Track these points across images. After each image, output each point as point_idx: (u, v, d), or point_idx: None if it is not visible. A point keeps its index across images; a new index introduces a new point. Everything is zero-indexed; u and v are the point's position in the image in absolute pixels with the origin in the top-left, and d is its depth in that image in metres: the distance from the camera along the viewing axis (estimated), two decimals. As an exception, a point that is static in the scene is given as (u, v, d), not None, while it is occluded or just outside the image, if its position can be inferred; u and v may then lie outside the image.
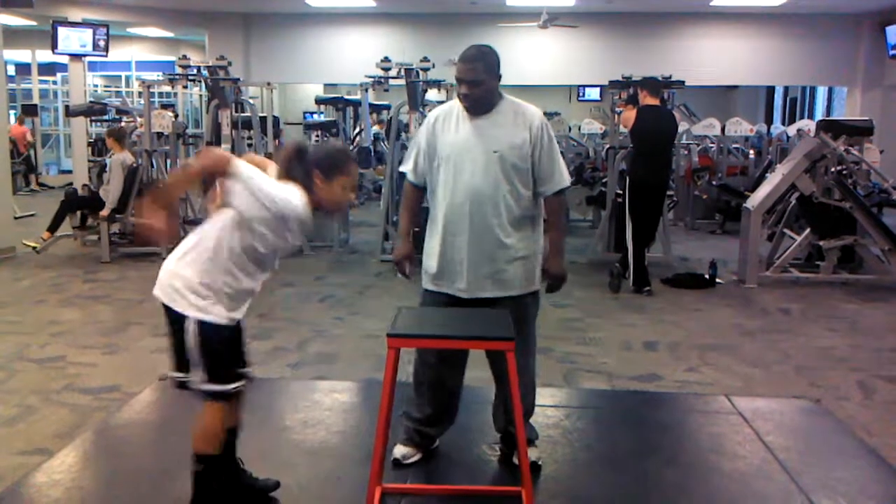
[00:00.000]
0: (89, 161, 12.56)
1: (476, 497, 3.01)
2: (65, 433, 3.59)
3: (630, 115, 6.76)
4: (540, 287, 3.12)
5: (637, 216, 6.67)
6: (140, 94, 11.40)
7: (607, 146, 8.97)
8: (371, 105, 12.14)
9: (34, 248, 7.88)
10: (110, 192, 7.94)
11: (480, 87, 2.91)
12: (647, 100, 6.69)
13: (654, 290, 6.61)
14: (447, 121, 3.00)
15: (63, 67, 15.31)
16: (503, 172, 2.92)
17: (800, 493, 2.99)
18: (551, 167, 2.99)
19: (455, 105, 3.04)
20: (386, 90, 9.54)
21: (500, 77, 2.97)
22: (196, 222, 7.78)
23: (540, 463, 3.15)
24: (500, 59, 2.98)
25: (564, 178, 3.04)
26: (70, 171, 14.48)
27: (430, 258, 3.05)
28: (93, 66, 17.14)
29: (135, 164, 8.23)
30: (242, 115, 8.58)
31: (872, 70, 13.37)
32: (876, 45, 13.15)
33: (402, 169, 3.22)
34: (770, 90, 19.78)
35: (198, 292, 2.49)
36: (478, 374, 3.15)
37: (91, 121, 12.83)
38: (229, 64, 8.36)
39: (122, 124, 9.40)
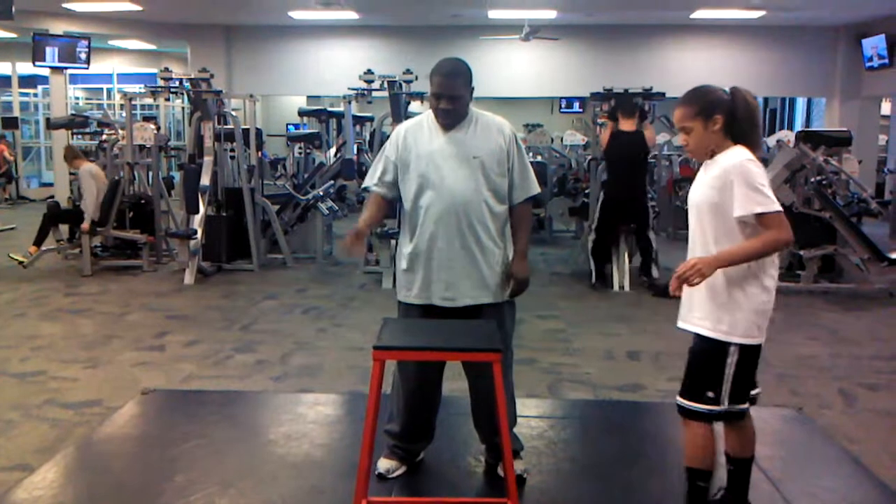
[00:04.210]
0: (70, 174, 12.47)
1: (461, 509, 3.01)
2: (46, 448, 3.55)
3: (605, 137, 7.38)
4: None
5: (599, 226, 7.41)
6: (122, 106, 11.36)
7: (589, 157, 9.03)
8: (354, 117, 12.14)
9: (21, 262, 7.81)
10: (86, 204, 7.90)
11: (460, 101, 2.93)
12: (622, 124, 7.30)
13: (638, 301, 6.64)
14: (418, 133, 3.01)
15: (44, 80, 15.21)
16: (484, 178, 2.94)
17: (783, 501, 3.01)
18: (523, 174, 3.05)
19: (424, 119, 3.04)
20: (369, 102, 9.58)
21: (473, 90, 3.00)
22: (179, 235, 7.77)
23: (526, 476, 3.15)
24: (479, 71, 3.01)
25: (535, 186, 3.09)
26: (51, 184, 14.39)
27: (411, 270, 3.03)
28: (74, 79, 17.06)
29: (116, 177, 8.20)
30: (225, 127, 8.54)
31: (850, 81, 13.54)
32: (853, 56, 13.33)
33: (366, 183, 3.13)
34: (750, 101, 19.94)
35: None
36: (460, 385, 3.15)
37: (72, 133, 12.74)
38: (212, 76, 8.34)
39: (104, 137, 9.35)
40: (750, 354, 2.55)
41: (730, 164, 2.47)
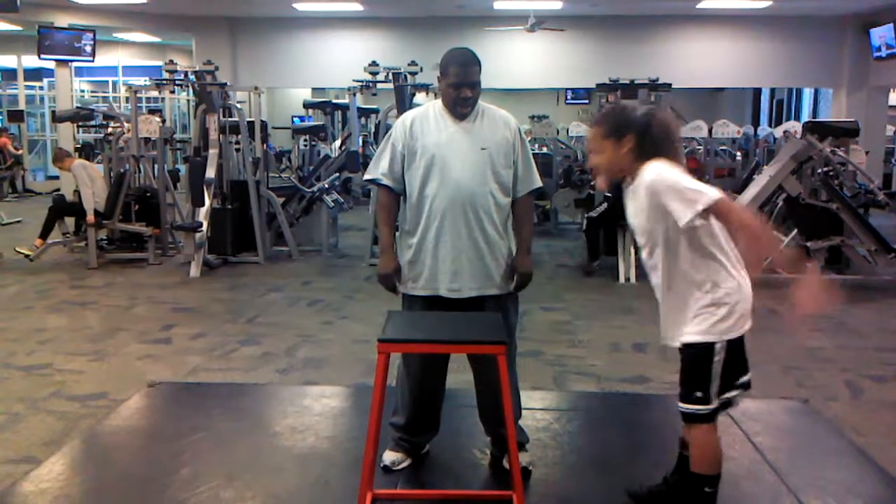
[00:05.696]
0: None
1: (467, 501, 3.00)
2: (52, 441, 3.57)
3: None
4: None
5: (597, 219, 7.63)
6: (127, 99, 11.36)
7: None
8: (359, 109, 12.13)
9: (27, 255, 7.84)
10: (84, 198, 7.92)
11: (478, 88, 2.96)
12: None
13: (644, 293, 6.62)
14: (425, 123, 2.99)
15: (49, 73, 15.24)
16: (491, 170, 2.94)
17: (789, 493, 3.00)
18: (527, 167, 3.05)
19: (430, 108, 3.04)
20: (374, 94, 9.56)
21: None
22: (185, 227, 7.77)
23: (531, 468, 3.15)
24: (484, 62, 3.02)
25: (538, 179, 3.10)
26: (57, 177, 14.43)
27: (417, 261, 3.02)
28: (79, 72, 17.08)
29: (122, 170, 8.21)
30: (230, 119, 8.54)
31: (857, 72, 13.45)
32: (860, 46, 13.24)
33: (371, 175, 3.07)
34: (756, 92, 19.88)
35: None
36: (466, 377, 3.14)
37: (78, 126, 12.77)
38: (216, 68, 8.33)
39: (109, 129, 9.37)
40: (736, 345, 2.50)
41: (647, 185, 2.40)
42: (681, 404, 2.56)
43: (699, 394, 2.50)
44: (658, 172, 2.39)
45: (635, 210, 2.54)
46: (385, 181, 3.04)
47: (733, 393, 2.55)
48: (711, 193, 2.31)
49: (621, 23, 13.63)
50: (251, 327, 5.67)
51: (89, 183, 7.95)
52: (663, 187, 2.36)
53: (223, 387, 4.33)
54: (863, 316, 6.12)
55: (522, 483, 2.67)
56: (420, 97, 8.92)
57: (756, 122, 18.52)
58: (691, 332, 2.50)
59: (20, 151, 15.76)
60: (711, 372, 2.48)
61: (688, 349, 2.52)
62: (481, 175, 2.93)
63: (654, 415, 3.93)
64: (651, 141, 2.45)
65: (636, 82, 8.08)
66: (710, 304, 2.46)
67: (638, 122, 2.48)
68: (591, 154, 2.58)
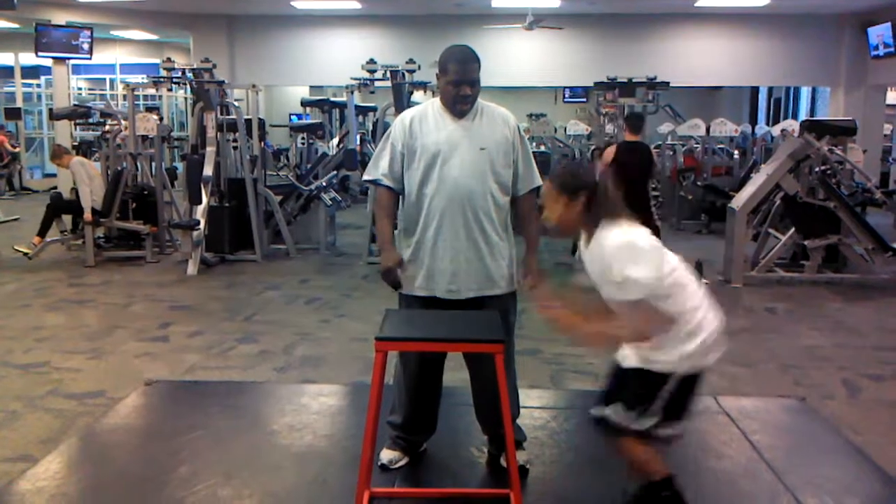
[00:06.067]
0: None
1: (464, 500, 3.00)
2: (49, 439, 3.56)
3: (610, 151, 7.32)
4: (518, 288, 3.12)
5: None
6: (124, 96, 11.35)
7: (593, 147, 9.02)
8: (357, 107, 12.12)
9: (26, 253, 7.82)
10: (82, 195, 7.91)
11: (477, 86, 2.95)
12: (628, 136, 7.22)
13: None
14: (424, 122, 2.98)
15: (47, 70, 15.21)
16: (490, 169, 2.93)
17: (786, 491, 3.01)
18: (528, 165, 3.05)
19: (429, 107, 3.03)
20: (372, 92, 9.55)
21: None
22: (182, 225, 7.76)
23: (528, 466, 3.15)
24: (482, 61, 3.01)
25: (538, 177, 3.08)
26: (54, 175, 14.40)
27: (415, 261, 3.01)
28: (77, 69, 17.02)
29: (119, 168, 8.19)
30: (227, 117, 8.53)
31: (855, 70, 13.46)
32: (858, 45, 13.25)
33: (371, 176, 3.05)
34: (754, 90, 19.88)
35: None
36: (463, 375, 3.14)
37: (75, 124, 12.75)
38: (214, 66, 8.32)
39: (107, 127, 9.36)
40: (691, 382, 2.44)
41: (610, 251, 2.45)
42: (604, 409, 2.49)
43: (631, 412, 2.44)
44: (616, 242, 2.44)
45: (591, 266, 2.58)
46: (386, 182, 3.02)
47: (668, 431, 2.45)
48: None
49: (619, 21, 13.62)
50: (249, 325, 5.67)
51: (87, 181, 7.95)
52: (622, 256, 2.44)
53: (221, 385, 4.32)
54: (860, 315, 6.13)
55: (520, 481, 2.68)
56: (418, 95, 8.92)
57: (754, 121, 18.52)
58: (649, 360, 2.44)
59: (17, 149, 15.76)
60: (656, 397, 2.42)
61: (638, 372, 2.47)
62: (480, 174, 2.92)
63: (651, 413, 3.92)
64: (604, 199, 2.49)
65: (634, 80, 8.08)
66: (673, 336, 2.41)
67: (591, 184, 2.51)
68: (545, 208, 2.59)
